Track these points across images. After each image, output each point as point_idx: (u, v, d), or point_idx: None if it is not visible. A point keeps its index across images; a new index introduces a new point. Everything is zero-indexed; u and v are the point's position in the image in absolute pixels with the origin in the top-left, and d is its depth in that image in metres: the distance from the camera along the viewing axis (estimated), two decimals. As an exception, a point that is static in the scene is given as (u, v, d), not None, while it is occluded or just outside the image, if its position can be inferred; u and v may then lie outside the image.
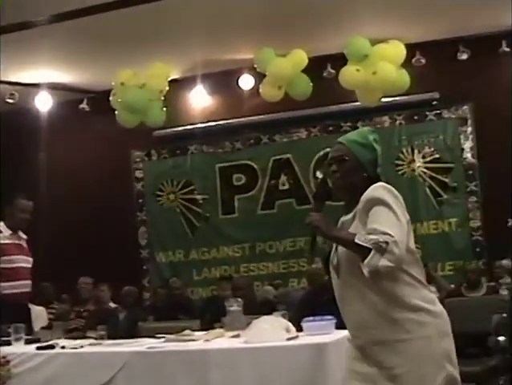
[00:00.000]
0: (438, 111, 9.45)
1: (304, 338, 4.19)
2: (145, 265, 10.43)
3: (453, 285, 8.06)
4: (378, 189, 2.94)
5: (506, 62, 9.12)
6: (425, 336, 2.85)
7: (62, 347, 4.62)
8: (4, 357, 4.48)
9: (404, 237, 2.82)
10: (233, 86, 9.80)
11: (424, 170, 9.39)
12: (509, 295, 5.94)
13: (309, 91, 8.42)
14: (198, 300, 9.65)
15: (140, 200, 10.56)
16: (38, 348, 4.64)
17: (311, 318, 4.40)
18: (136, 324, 7.07)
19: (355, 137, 3.16)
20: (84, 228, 10.16)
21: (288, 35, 8.38)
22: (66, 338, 5.22)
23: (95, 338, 5.02)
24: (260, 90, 8.60)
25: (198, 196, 10.33)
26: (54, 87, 9.89)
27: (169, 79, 8.79)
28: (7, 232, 6.16)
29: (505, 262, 6.90)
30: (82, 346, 4.66)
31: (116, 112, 8.61)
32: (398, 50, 8.09)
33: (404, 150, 9.46)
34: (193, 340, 4.53)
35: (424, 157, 9.43)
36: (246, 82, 9.69)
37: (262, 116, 9.90)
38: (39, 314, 7.30)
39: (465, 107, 9.35)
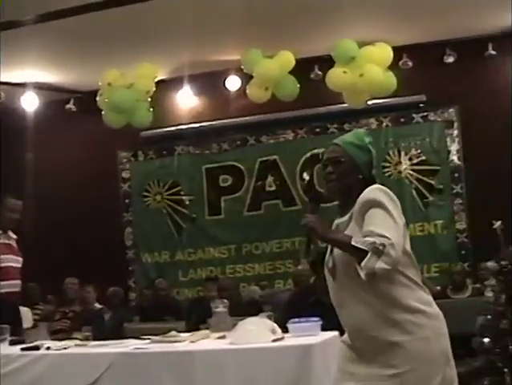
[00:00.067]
0: (425, 114, 9.48)
1: (290, 340, 4.20)
2: (131, 265, 10.41)
3: (438, 287, 8.08)
4: (374, 191, 2.94)
5: (492, 65, 9.17)
6: (423, 337, 2.86)
7: (48, 348, 4.60)
8: (-12, 358, 4.46)
9: (400, 240, 2.83)
10: (220, 87, 9.80)
11: (411, 172, 9.42)
12: (493, 297, 5.95)
13: (296, 93, 8.42)
14: (184, 301, 9.64)
15: (127, 201, 10.54)
16: (22, 349, 4.62)
17: (297, 319, 4.41)
18: (121, 325, 7.06)
19: (350, 139, 3.14)
20: (70, 229, 10.13)
21: (275, 37, 8.38)
22: (52, 340, 5.21)
23: (81, 340, 5.00)
24: (247, 91, 8.60)
25: (185, 197, 10.32)
26: (40, 87, 9.86)
27: (156, 80, 8.78)
28: None
29: (490, 264, 6.90)
30: (67, 347, 4.65)
31: (103, 113, 8.59)
32: (385, 53, 8.11)
33: (391, 152, 9.48)
34: (179, 341, 4.53)
35: (410, 159, 9.45)
36: (233, 83, 9.70)
37: (248, 117, 9.90)
38: (24, 315, 7.25)
39: (451, 109, 9.38)
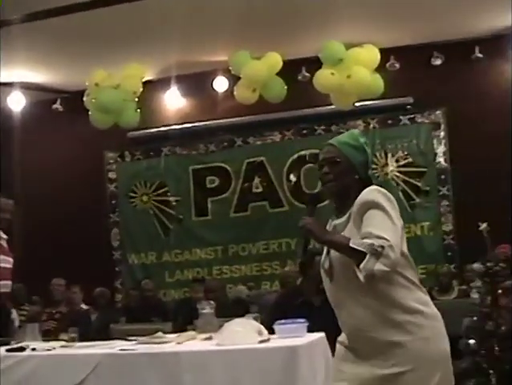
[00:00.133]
0: (412, 116, 9.51)
1: (276, 341, 4.20)
2: (117, 266, 10.39)
3: (424, 289, 8.09)
4: (373, 192, 2.94)
5: (479, 68, 9.21)
6: (423, 337, 2.86)
7: (33, 349, 4.58)
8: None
9: (399, 241, 2.82)
10: (208, 88, 9.80)
11: (398, 174, 9.44)
12: (479, 299, 5.98)
13: (283, 94, 8.43)
14: (170, 302, 9.63)
15: (113, 202, 10.52)
16: (8, 350, 4.59)
17: (283, 320, 4.41)
18: (107, 326, 7.02)
19: (346, 139, 3.14)
20: (56, 229, 10.10)
21: (263, 38, 8.39)
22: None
23: (67, 341, 4.98)
24: (234, 92, 8.60)
25: (171, 198, 10.31)
26: (27, 87, 9.83)
27: (144, 80, 8.76)
28: None
29: (476, 266, 6.94)
30: (53, 348, 4.63)
31: (90, 113, 8.57)
32: (372, 55, 8.12)
33: (378, 154, 9.49)
34: (165, 342, 4.52)
35: (397, 161, 9.48)
36: (221, 84, 9.69)
37: (236, 119, 9.90)
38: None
39: (438, 111, 9.42)
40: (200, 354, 4.16)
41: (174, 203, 10.29)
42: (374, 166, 9.43)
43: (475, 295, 6.36)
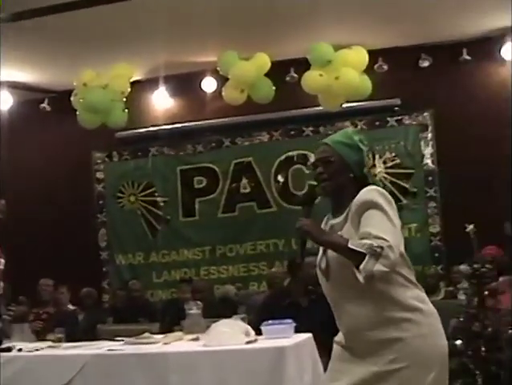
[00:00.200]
0: (399, 117, 9.53)
1: (263, 342, 4.20)
2: (105, 267, 10.36)
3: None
4: (372, 192, 2.94)
5: (467, 70, 9.24)
6: (421, 335, 2.86)
7: (20, 350, 4.57)
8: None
9: (398, 242, 2.81)
10: (196, 88, 9.79)
11: (385, 175, 9.45)
12: (466, 300, 5.99)
13: (271, 95, 8.43)
14: (158, 302, 9.62)
15: (101, 202, 10.49)
16: (-6, 350, 4.58)
17: (271, 321, 4.42)
18: (95, 326, 7.02)
19: (339, 138, 3.13)
20: (43, 229, 10.07)
21: (252, 39, 8.39)
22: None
23: (53, 341, 4.97)
24: (222, 93, 8.59)
25: (159, 199, 10.29)
26: (14, 86, 9.79)
27: (132, 80, 8.75)
28: None
29: (463, 267, 6.96)
30: (40, 349, 4.62)
31: (78, 113, 8.55)
32: (361, 56, 8.14)
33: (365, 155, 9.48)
34: (152, 343, 4.52)
35: (385, 162, 9.49)
36: (209, 84, 9.69)
37: (224, 119, 9.89)
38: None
39: (425, 113, 9.43)
40: (187, 355, 4.16)
41: (162, 203, 10.27)
42: (361, 167, 9.44)
43: (462, 296, 6.37)
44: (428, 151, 9.41)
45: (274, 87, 8.43)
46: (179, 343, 4.54)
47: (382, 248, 2.71)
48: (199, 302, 5.14)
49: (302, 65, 8.32)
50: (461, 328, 5.75)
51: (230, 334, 4.18)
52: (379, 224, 2.82)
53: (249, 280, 9.83)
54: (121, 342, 4.61)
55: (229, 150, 10.12)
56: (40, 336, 5.87)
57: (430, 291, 7.78)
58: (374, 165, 9.48)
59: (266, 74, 8.38)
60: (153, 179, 10.34)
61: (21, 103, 10.12)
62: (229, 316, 4.74)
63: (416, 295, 2.96)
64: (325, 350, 4.96)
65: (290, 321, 4.40)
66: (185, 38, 8.41)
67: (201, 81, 9.71)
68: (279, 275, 7.81)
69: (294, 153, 9.80)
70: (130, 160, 10.46)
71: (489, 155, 8.85)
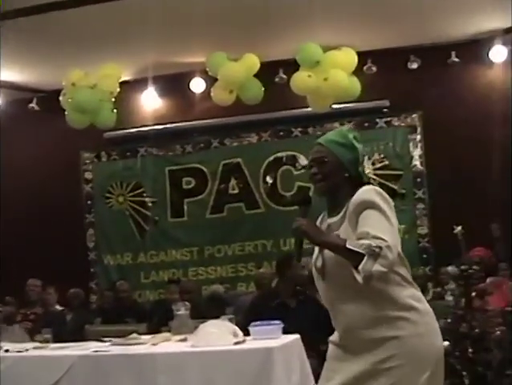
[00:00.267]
0: (388, 119, 9.55)
1: (251, 343, 4.20)
2: (93, 267, 10.34)
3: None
4: (369, 192, 2.92)
5: (455, 72, 9.27)
6: (417, 333, 2.86)
7: (6, 351, 4.55)
8: None
9: (396, 242, 2.81)
10: (185, 89, 9.79)
11: (374, 177, 9.46)
12: (453, 301, 6.01)
13: (260, 96, 8.42)
14: (146, 303, 9.61)
15: (89, 202, 10.46)
16: (-20, 352, 4.56)
17: (259, 322, 4.41)
18: (82, 327, 7.00)
19: (333, 137, 3.11)
20: (31, 229, 10.04)
21: (241, 40, 8.39)
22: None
23: (40, 342, 4.95)
24: (211, 93, 8.58)
25: (147, 199, 10.28)
26: (3, 86, 9.75)
27: (120, 81, 8.72)
28: None
29: (450, 269, 6.97)
30: (26, 350, 4.60)
31: (66, 113, 8.51)
32: (350, 58, 8.13)
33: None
34: (140, 344, 4.51)
35: (373, 164, 9.51)
36: (198, 85, 9.68)
37: (212, 120, 9.90)
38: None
39: (414, 115, 9.47)
40: (175, 356, 4.16)
41: (150, 204, 10.26)
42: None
43: (449, 297, 6.39)
44: (416, 152, 9.44)
45: (262, 88, 8.42)
46: (167, 344, 4.54)
47: (380, 248, 2.71)
48: (187, 303, 5.14)
49: (291, 66, 8.31)
50: (448, 329, 5.76)
51: (218, 334, 4.17)
52: (377, 224, 2.81)
53: (237, 280, 9.83)
54: (109, 343, 4.60)
55: (217, 151, 10.12)
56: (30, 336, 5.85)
57: (418, 292, 7.82)
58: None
59: (255, 75, 8.36)
60: (142, 179, 10.32)
61: (9, 102, 10.09)
62: (217, 316, 4.74)
63: (412, 294, 2.95)
64: (313, 351, 4.98)
65: (278, 322, 4.39)
66: (174, 38, 8.40)
67: (189, 81, 9.70)
68: (267, 276, 7.81)
69: (283, 154, 9.81)
70: (119, 160, 10.45)
71: (477, 156, 8.90)
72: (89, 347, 4.53)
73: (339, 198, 3.02)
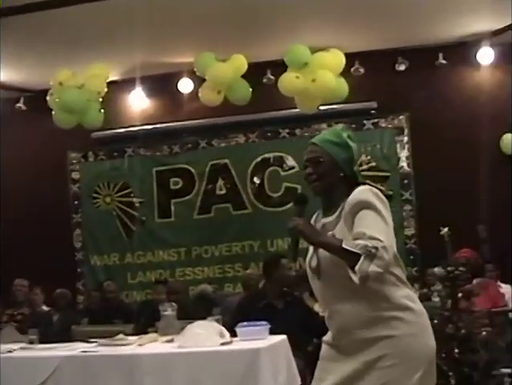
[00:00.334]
0: (375, 120, 9.56)
1: (238, 343, 4.20)
2: (80, 267, 10.29)
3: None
4: (366, 192, 2.92)
5: (443, 74, 9.29)
6: (410, 333, 2.87)
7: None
8: None
9: (392, 242, 2.81)
10: (173, 89, 9.77)
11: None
12: (440, 302, 6.03)
13: (248, 97, 8.43)
14: (133, 304, 9.58)
15: (76, 202, 10.43)
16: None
17: (245, 323, 4.42)
18: (69, 327, 6.98)
19: (328, 136, 3.10)
20: (18, 229, 9.99)
21: (229, 40, 8.39)
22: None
23: (26, 343, 4.94)
24: (199, 94, 8.58)
25: (135, 200, 10.25)
26: (-11, 85, 9.73)
27: (108, 81, 8.71)
28: None
29: (437, 270, 7.00)
30: (13, 351, 4.59)
31: (53, 112, 8.50)
32: (338, 59, 8.15)
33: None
34: (127, 344, 4.50)
35: (360, 165, 9.49)
36: (186, 85, 9.66)
37: (200, 120, 9.88)
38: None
39: (401, 116, 9.49)
40: (161, 357, 4.15)
41: (137, 204, 10.23)
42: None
43: (436, 299, 6.42)
44: (403, 154, 9.46)
45: (250, 89, 8.43)
46: (153, 345, 4.53)
47: (377, 249, 2.71)
48: (174, 304, 5.14)
49: (279, 67, 8.33)
50: (435, 330, 5.77)
51: (205, 335, 4.18)
52: (373, 224, 2.81)
53: (224, 281, 9.82)
54: (95, 344, 4.59)
55: (205, 151, 10.11)
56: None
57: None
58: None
59: (243, 76, 8.38)
60: (129, 180, 10.29)
61: (-4, 102, 10.06)
62: (204, 317, 4.74)
63: (407, 294, 2.96)
64: (300, 352, 4.99)
65: (264, 322, 4.40)
66: (162, 38, 8.39)
67: (177, 82, 9.69)
68: (254, 277, 7.80)
69: (271, 155, 9.81)
70: (106, 160, 10.41)
71: (463, 158, 8.93)
72: (76, 348, 4.52)
73: (334, 198, 3.02)
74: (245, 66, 8.31)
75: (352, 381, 2.89)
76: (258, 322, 4.40)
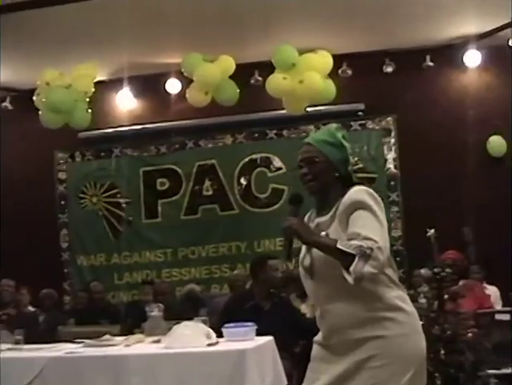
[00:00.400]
0: (362, 122, 9.59)
1: (224, 344, 4.20)
2: (66, 268, 10.26)
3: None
4: (361, 193, 2.93)
5: (430, 76, 9.33)
6: (402, 334, 2.87)
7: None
8: None
9: (386, 243, 2.83)
10: (160, 90, 9.76)
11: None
12: (426, 303, 6.05)
13: (236, 98, 8.42)
14: (119, 304, 9.56)
15: (63, 202, 10.39)
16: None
17: (232, 324, 4.42)
18: (55, 328, 6.96)
19: (322, 136, 3.09)
20: (4, 229, 9.94)
21: (216, 41, 8.38)
22: None
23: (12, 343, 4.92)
24: (187, 94, 8.57)
25: (121, 200, 10.23)
26: (-25, 85, 9.69)
27: (95, 81, 8.68)
28: None
29: (423, 271, 7.02)
30: (-2, 351, 4.57)
31: (40, 112, 8.46)
32: (325, 60, 8.15)
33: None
34: (113, 345, 4.49)
35: (347, 166, 9.52)
36: (173, 86, 9.66)
37: (187, 121, 9.88)
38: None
39: (388, 118, 9.52)
40: (148, 357, 4.15)
41: (124, 205, 10.21)
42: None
43: (422, 300, 6.42)
44: (390, 155, 9.49)
45: (238, 90, 8.43)
46: (140, 345, 4.53)
47: (372, 249, 2.72)
48: (160, 304, 5.13)
49: (267, 68, 8.32)
50: (420, 331, 5.81)
51: (191, 336, 4.17)
52: (368, 225, 2.82)
53: (211, 282, 9.82)
54: (81, 345, 4.58)
55: (192, 152, 10.10)
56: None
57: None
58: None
59: (231, 77, 8.37)
60: (116, 180, 10.28)
61: (-18, 101, 10.02)
62: (190, 318, 4.74)
63: (399, 295, 2.96)
64: (286, 353, 5.00)
65: (251, 323, 4.40)
66: (150, 39, 8.38)
67: (165, 82, 9.68)
68: (241, 278, 7.81)
69: (258, 156, 9.82)
70: (93, 160, 10.39)
71: (450, 160, 8.97)
72: (62, 349, 4.50)
73: (328, 198, 3.02)
74: (233, 67, 8.29)
75: (344, 381, 2.89)
76: (245, 323, 4.40)
